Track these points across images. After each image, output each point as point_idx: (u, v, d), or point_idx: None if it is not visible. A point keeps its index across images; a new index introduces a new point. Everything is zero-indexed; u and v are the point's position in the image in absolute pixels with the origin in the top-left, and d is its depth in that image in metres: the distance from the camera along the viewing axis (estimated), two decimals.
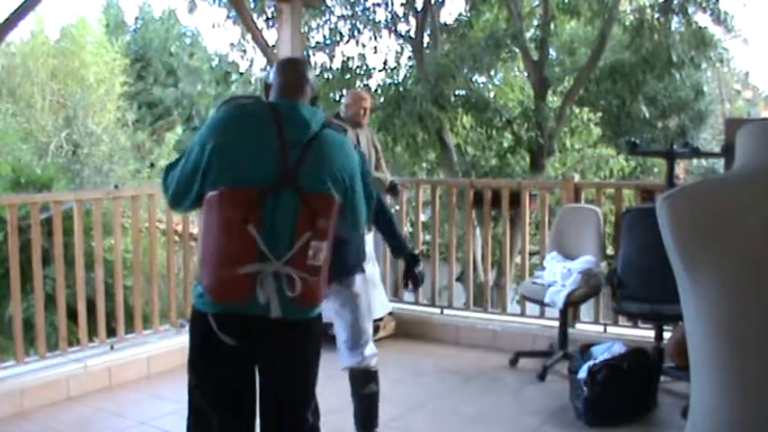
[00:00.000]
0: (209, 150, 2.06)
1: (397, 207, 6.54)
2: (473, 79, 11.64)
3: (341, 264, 3.08)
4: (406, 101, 10.45)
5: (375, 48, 12.54)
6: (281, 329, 2.13)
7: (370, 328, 3.28)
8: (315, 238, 2.07)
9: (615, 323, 4.90)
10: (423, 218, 6.26)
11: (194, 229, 5.88)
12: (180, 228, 5.44)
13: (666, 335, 4.32)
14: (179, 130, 15.37)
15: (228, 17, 11.96)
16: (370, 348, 3.24)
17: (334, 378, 3.69)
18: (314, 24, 12.29)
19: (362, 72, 12.41)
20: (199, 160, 2.08)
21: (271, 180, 2.04)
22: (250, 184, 2.04)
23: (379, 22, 12.22)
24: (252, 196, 2.03)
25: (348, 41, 12.35)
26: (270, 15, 11.34)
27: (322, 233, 2.08)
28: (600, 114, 12.04)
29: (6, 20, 4.01)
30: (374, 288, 5.13)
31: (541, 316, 5.07)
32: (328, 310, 3.28)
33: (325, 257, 2.13)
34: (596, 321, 4.96)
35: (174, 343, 4.57)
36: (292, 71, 2.24)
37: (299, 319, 2.16)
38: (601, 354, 3.86)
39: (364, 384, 3.24)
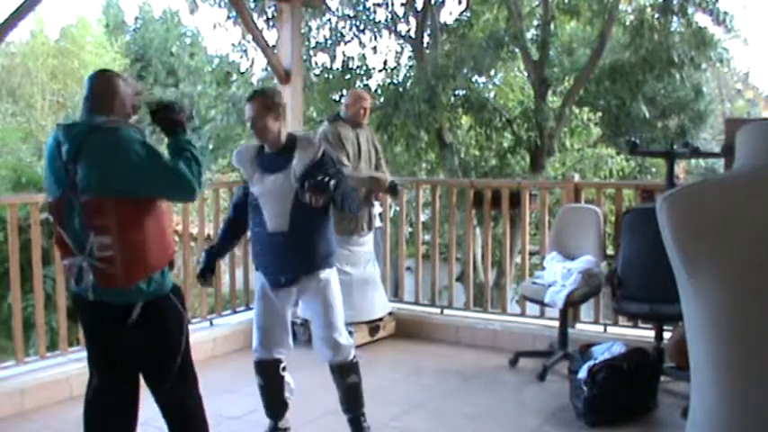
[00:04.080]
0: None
1: (398, 207, 6.54)
2: (473, 79, 11.64)
3: (309, 257, 3.22)
4: (403, 100, 10.46)
5: (375, 48, 12.56)
6: (106, 312, 2.60)
7: (340, 322, 3.33)
8: (97, 234, 2.48)
9: (615, 323, 4.90)
10: (423, 218, 6.26)
11: (194, 230, 5.88)
12: (180, 228, 5.44)
13: (666, 335, 4.32)
14: None
15: (229, 17, 11.97)
16: (344, 340, 3.32)
17: (330, 378, 3.70)
18: (314, 25, 12.29)
19: (362, 72, 12.42)
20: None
21: (60, 191, 2.53)
22: (51, 196, 2.58)
23: (380, 22, 12.22)
24: (55, 206, 2.57)
25: (349, 42, 12.36)
26: (270, 15, 11.35)
27: (102, 229, 2.47)
28: (600, 114, 12.03)
29: (6, 20, 4.01)
30: (374, 288, 5.15)
31: (541, 316, 5.08)
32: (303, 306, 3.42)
33: (121, 247, 2.48)
34: (596, 321, 4.96)
35: None
36: (87, 89, 2.61)
37: (118, 303, 2.58)
38: (601, 354, 3.86)
39: (344, 376, 3.37)
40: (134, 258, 2.52)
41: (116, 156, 2.46)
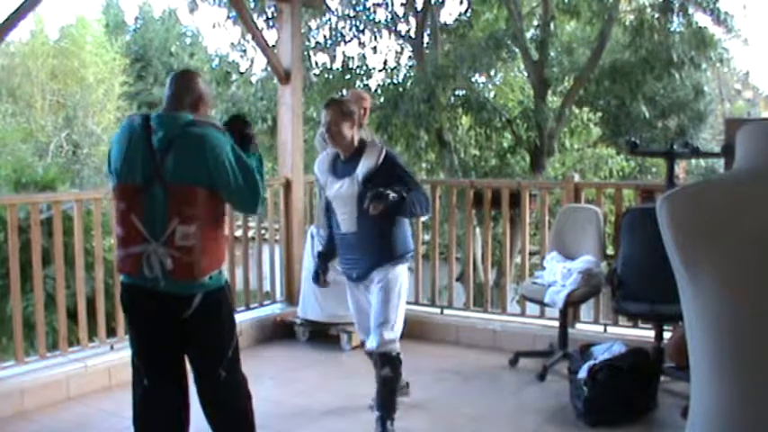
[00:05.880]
0: (109, 157, 2.74)
1: None
2: (473, 79, 11.62)
3: (376, 254, 3.41)
4: (403, 100, 10.46)
5: (375, 48, 12.53)
6: (168, 301, 2.66)
7: (394, 316, 3.46)
8: (182, 223, 2.56)
9: (615, 323, 4.90)
10: (423, 218, 6.24)
11: None
12: None
13: (666, 335, 4.32)
14: None
15: (229, 17, 11.95)
16: (390, 334, 3.44)
17: (332, 378, 3.71)
18: (314, 25, 12.28)
19: (362, 72, 12.41)
20: (108, 165, 2.77)
21: (143, 177, 2.58)
22: (128, 181, 2.62)
23: (380, 22, 12.21)
24: (131, 191, 2.61)
25: (349, 42, 12.35)
26: (270, 15, 11.33)
27: (189, 218, 2.56)
28: (599, 114, 12.03)
29: (6, 20, 4.01)
30: None
31: (541, 316, 5.07)
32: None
33: (201, 238, 2.59)
34: (596, 321, 4.95)
35: None
36: (170, 87, 2.74)
37: (180, 294, 2.65)
38: (601, 354, 3.86)
39: (380, 367, 3.48)
40: (210, 251, 2.65)
41: (209, 152, 2.58)
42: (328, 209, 3.56)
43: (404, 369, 4.64)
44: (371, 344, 3.47)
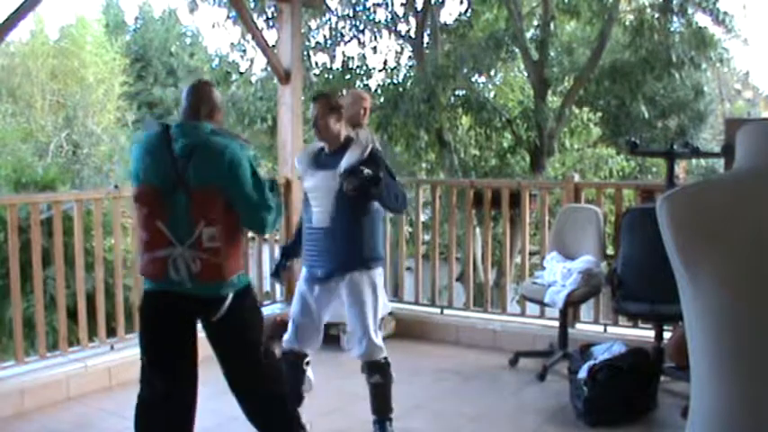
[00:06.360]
0: (131, 164, 2.79)
1: None
2: (473, 79, 11.63)
3: (346, 255, 3.32)
4: (403, 100, 10.47)
5: (375, 48, 12.55)
6: (197, 305, 2.72)
7: (371, 322, 3.40)
8: (207, 225, 2.63)
9: (615, 323, 4.90)
10: (423, 218, 6.26)
11: None
12: None
13: (666, 335, 4.32)
14: None
15: (229, 17, 11.97)
16: (373, 342, 3.40)
17: (332, 378, 3.71)
18: (314, 25, 12.29)
19: (362, 72, 12.42)
20: (130, 172, 2.83)
21: (165, 183, 2.64)
22: (148, 184, 2.68)
23: (380, 22, 12.22)
24: (152, 195, 2.67)
25: (349, 42, 12.36)
26: (270, 15, 11.34)
27: (213, 220, 2.63)
28: (600, 114, 12.04)
29: (6, 20, 4.01)
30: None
31: (541, 316, 5.07)
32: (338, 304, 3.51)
33: (225, 240, 2.66)
34: (596, 321, 4.95)
35: None
36: (188, 98, 2.81)
37: (212, 296, 2.70)
38: (601, 354, 3.86)
39: (369, 375, 3.46)
40: (232, 253, 2.71)
41: (227, 163, 2.64)
42: (306, 203, 3.47)
43: (404, 369, 4.66)
44: (357, 352, 3.43)
